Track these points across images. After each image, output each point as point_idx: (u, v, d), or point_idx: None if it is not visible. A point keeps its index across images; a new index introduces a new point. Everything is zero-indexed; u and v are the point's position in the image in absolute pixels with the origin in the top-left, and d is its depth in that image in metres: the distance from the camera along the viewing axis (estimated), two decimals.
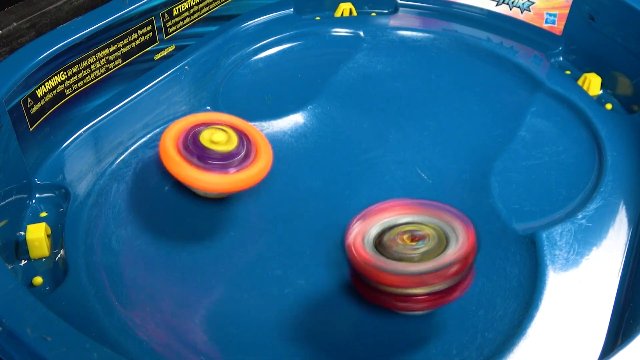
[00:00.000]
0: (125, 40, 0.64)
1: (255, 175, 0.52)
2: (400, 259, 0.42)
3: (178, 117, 0.62)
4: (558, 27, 0.74)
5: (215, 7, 0.74)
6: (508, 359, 0.43)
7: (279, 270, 0.50)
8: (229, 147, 0.52)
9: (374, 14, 0.81)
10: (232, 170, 0.51)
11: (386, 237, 0.44)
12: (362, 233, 0.45)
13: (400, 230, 0.45)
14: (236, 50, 0.73)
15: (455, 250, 0.42)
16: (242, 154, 0.53)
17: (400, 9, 0.82)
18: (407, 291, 0.42)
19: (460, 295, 0.43)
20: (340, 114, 0.66)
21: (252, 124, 0.63)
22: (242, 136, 0.54)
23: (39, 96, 0.56)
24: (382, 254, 0.43)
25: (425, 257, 0.42)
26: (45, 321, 0.37)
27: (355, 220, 0.46)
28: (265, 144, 0.56)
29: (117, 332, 0.44)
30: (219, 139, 0.52)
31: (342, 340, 0.46)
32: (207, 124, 0.55)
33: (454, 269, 0.41)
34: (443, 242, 0.43)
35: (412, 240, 0.43)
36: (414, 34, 0.76)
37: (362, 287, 0.45)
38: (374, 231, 0.45)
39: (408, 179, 0.59)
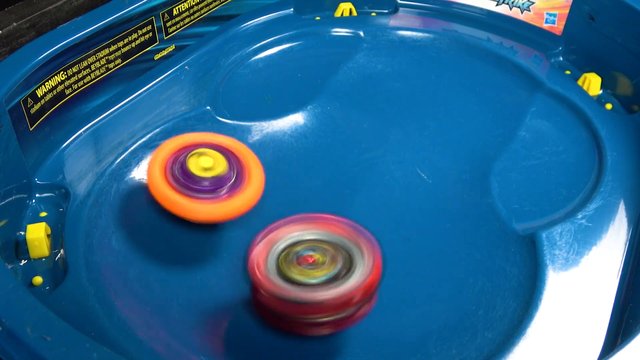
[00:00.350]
0: (125, 40, 0.64)
1: (250, 199, 0.50)
2: (302, 284, 0.40)
3: (178, 117, 0.63)
4: (558, 27, 0.74)
5: (215, 7, 0.74)
6: (508, 358, 0.43)
7: None
8: (218, 171, 0.50)
9: (374, 14, 0.81)
10: (225, 195, 0.49)
11: (290, 257, 0.42)
12: (265, 251, 0.43)
13: (304, 248, 0.43)
14: (236, 50, 0.73)
15: (359, 276, 0.40)
16: (233, 177, 0.50)
17: (400, 9, 0.82)
18: (308, 319, 0.41)
19: (359, 320, 0.42)
20: (340, 114, 0.66)
21: (252, 123, 0.63)
22: (231, 157, 0.52)
23: (39, 96, 0.56)
24: (285, 275, 0.41)
25: (328, 281, 0.40)
26: (45, 321, 0.37)
27: (260, 237, 0.44)
28: (254, 161, 0.53)
29: (117, 332, 0.44)
30: (206, 164, 0.50)
31: (343, 338, 0.46)
32: (193, 147, 0.52)
33: (356, 298, 0.40)
34: (347, 265, 0.41)
35: (314, 263, 0.42)
36: (414, 34, 0.76)
37: (263, 311, 0.44)
38: (278, 248, 0.43)
39: (408, 179, 0.59)
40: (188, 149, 0.52)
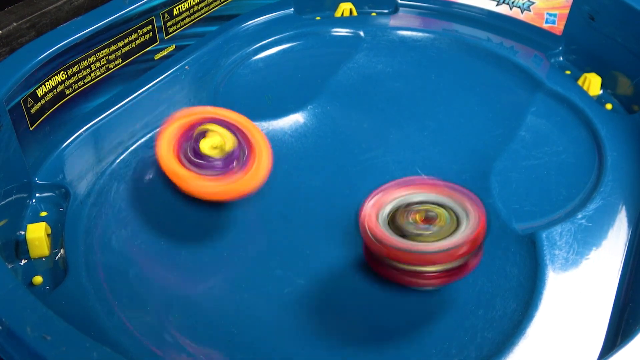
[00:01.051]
0: (126, 40, 0.64)
1: (260, 175, 0.52)
2: (412, 238, 0.44)
3: None
4: (558, 27, 0.74)
5: (215, 7, 0.74)
6: (507, 358, 0.43)
7: (279, 270, 0.50)
8: (228, 149, 0.52)
9: (374, 14, 0.81)
10: (236, 172, 0.51)
11: (399, 215, 0.46)
12: (376, 208, 0.47)
13: (413, 208, 0.46)
14: (236, 50, 0.73)
15: (465, 231, 0.44)
16: (241, 153, 0.52)
17: (400, 9, 0.82)
18: (416, 268, 0.45)
19: (467, 274, 0.45)
20: (340, 114, 0.66)
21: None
22: (239, 134, 0.54)
23: (39, 96, 0.56)
24: (394, 230, 0.45)
25: (436, 236, 0.44)
26: (45, 320, 0.37)
27: (371, 196, 0.48)
28: (261, 137, 0.55)
29: (117, 331, 0.44)
30: (216, 143, 0.51)
31: (342, 341, 0.46)
32: (202, 122, 0.54)
33: (462, 249, 0.43)
34: (454, 222, 0.45)
35: (424, 220, 0.45)
36: (414, 34, 0.76)
37: (373, 261, 0.48)
38: (388, 208, 0.47)
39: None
40: (195, 126, 0.53)
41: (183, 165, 0.51)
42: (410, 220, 0.45)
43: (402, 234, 0.45)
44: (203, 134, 0.53)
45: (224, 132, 0.53)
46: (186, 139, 0.53)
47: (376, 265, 0.48)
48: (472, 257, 0.46)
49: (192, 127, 0.54)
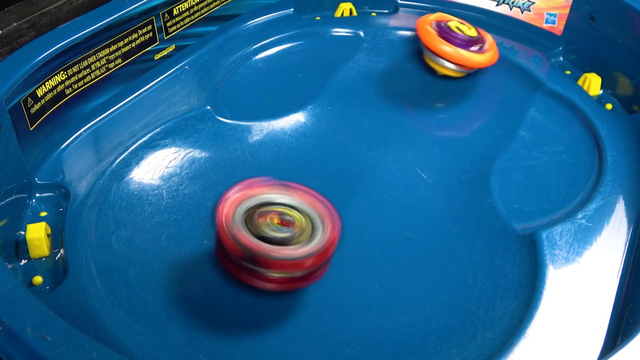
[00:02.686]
0: (126, 40, 0.64)
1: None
2: (262, 238, 0.43)
3: (178, 117, 0.63)
4: (558, 27, 0.74)
5: (215, 7, 0.74)
6: (508, 358, 0.43)
7: None
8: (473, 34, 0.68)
9: (374, 14, 0.81)
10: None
11: (257, 212, 0.45)
12: (236, 203, 0.45)
13: (274, 209, 0.46)
14: (236, 50, 0.73)
15: (316, 243, 0.43)
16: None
17: (400, 9, 0.82)
18: (262, 270, 0.44)
19: (308, 285, 0.45)
20: (340, 114, 0.66)
21: (252, 123, 0.63)
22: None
23: (39, 96, 0.56)
24: (249, 229, 0.44)
25: (283, 241, 0.43)
26: (45, 320, 0.37)
27: (234, 189, 0.46)
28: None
29: (117, 331, 0.44)
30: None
31: (342, 341, 0.46)
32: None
33: (309, 262, 0.43)
34: (308, 233, 0.44)
35: (280, 224, 0.44)
36: (414, 34, 0.76)
37: (221, 255, 0.46)
38: (250, 203, 0.46)
39: (408, 178, 0.59)
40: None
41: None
42: (267, 221, 0.44)
43: (257, 234, 0.44)
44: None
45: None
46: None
47: (224, 259, 0.46)
48: (316, 270, 0.45)
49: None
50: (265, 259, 0.42)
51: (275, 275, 0.44)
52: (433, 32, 0.66)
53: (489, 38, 0.68)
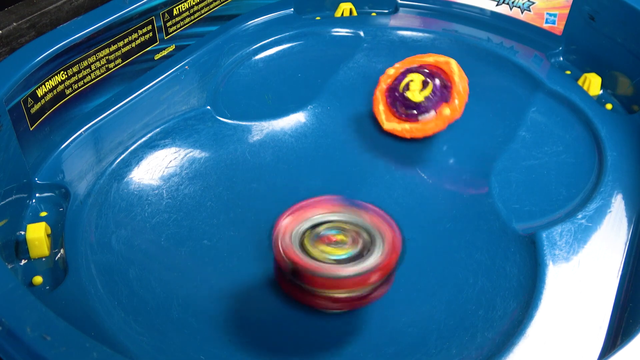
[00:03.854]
0: (126, 40, 0.64)
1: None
2: (323, 260, 0.43)
3: (178, 117, 0.63)
4: (558, 27, 0.74)
5: (215, 7, 0.74)
6: (508, 358, 0.43)
7: None
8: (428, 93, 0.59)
9: (374, 14, 0.82)
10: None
11: (312, 236, 0.45)
12: (290, 229, 0.45)
13: (326, 228, 0.45)
14: (236, 50, 0.73)
15: (377, 257, 0.43)
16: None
17: (400, 9, 0.82)
18: (326, 293, 0.43)
19: (376, 299, 0.44)
20: (340, 114, 0.66)
21: (252, 123, 0.63)
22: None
23: (39, 96, 0.56)
24: (307, 252, 0.43)
25: (348, 260, 0.43)
26: (45, 320, 0.37)
27: (284, 215, 0.46)
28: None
29: (117, 331, 0.44)
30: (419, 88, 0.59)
31: (342, 341, 0.46)
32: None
33: (374, 277, 0.42)
34: (367, 246, 0.44)
35: (336, 243, 0.44)
36: (414, 34, 0.76)
37: (283, 282, 0.46)
38: (302, 227, 0.45)
39: (408, 178, 0.59)
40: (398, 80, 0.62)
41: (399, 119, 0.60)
42: (324, 242, 0.44)
43: (315, 255, 0.43)
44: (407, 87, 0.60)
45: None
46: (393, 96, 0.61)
47: (288, 287, 0.46)
48: (382, 284, 0.44)
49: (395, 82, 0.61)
50: (309, 276, 0.42)
51: (342, 295, 0.43)
52: (381, 108, 0.62)
53: (456, 95, 0.59)
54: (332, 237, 0.44)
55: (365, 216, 0.46)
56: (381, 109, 0.62)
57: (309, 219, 0.46)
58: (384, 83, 0.63)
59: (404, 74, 0.62)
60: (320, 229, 0.45)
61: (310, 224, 0.46)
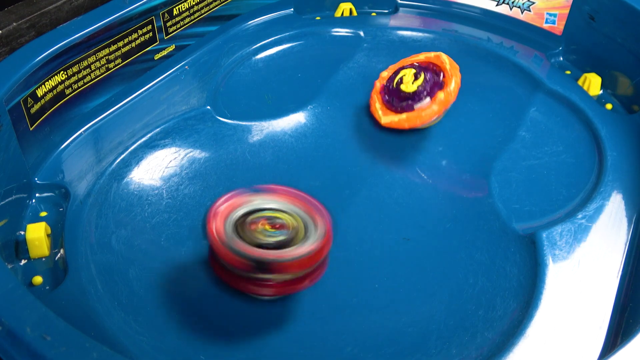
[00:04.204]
0: (125, 40, 0.64)
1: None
2: (257, 244, 0.43)
3: (178, 117, 0.63)
4: (558, 27, 0.74)
5: (215, 7, 0.74)
6: (508, 358, 0.43)
7: None
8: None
9: (374, 14, 0.82)
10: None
11: (248, 220, 0.45)
12: (225, 214, 0.45)
13: (262, 215, 0.45)
14: (236, 50, 0.73)
15: (310, 244, 0.43)
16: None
17: (400, 9, 0.82)
18: (257, 275, 0.43)
19: (308, 285, 0.45)
20: (340, 114, 0.66)
21: (252, 123, 0.63)
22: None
23: (39, 96, 0.56)
24: (241, 236, 0.44)
25: (281, 245, 0.43)
26: (45, 320, 0.37)
27: (221, 201, 0.46)
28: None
29: (117, 331, 0.44)
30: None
31: (342, 341, 0.46)
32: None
33: (320, 255, 0.43)
34: (301, 234, 0.44)
35: (272, 227, 0.44)
36: (414, 34, 0.76)
37: (216, 265, 0.46)
38: (238, 213, 0.45)
39: (408, 178, 0.59)
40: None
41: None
42: (259, 226, 0.44)
43: (254, 242, 0.43)
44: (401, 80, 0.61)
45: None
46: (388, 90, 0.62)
47: (220, 270, 0.46)
48: (313, 270, 0.45)
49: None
50: (277, 263, 0.42)
51: (278, 279, 0.43)
52: (377, 106, 0.63)
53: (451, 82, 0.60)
54: (265, 223, 0.45)
55: (289, 200, 0.47)
56: (377, 107, 0.63)
57: (239, 207, 0.46)
58: (379, 84, 0.64)
59: (396, 72, 0.63)
60: (255, 215, 0.45)
61: (246, 210, 0.46)
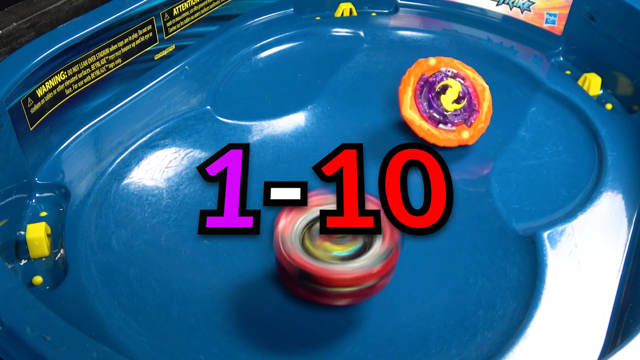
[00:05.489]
0: (126, 40, 0.64)
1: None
2: (328, 259, 0.43)
3: (178, 117, 0.63)
4: (558, 27, 0.74)
5: (215, 7, 0.74)
6: (508, 358, 0.43)
7: None
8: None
9: (374, 14, 0.81)
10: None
11: (311, 234, 0.45)
12: (289, 230, 0.45)
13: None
14: (236, 50, 0.73)
15: (379, 249, 0.44)
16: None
17: (400, 9, 0.82)
18: (336, 290, 0.44)
19: (379, 291, 0.45)
20: (340, 114, 0.66)
21: (252, 123, 0.63)
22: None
23: (39, 96, 0.56)
24: (310, 253, 0.44)
25: (352, 256, 0.43)
26: (45, 320, 0.37)
27: (280, 217, 0.47)
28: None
29: (117, 331, 0.44)
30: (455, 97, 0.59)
31: (342, 341, 0.46)
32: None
33: (380, 270, 0.43)
34: (367, 241, 0.45)
35: (338, 239, 0.45)
36: (414, 34, 0.76)
37: (291, 284, 0.46)
38: (299, 227, 0.46)
39: (408, 178, 0.59)
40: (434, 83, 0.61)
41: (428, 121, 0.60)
42: (320, 245, 0.45)
43: (317, 253, 0.44)
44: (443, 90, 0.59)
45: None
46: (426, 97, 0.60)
47: (290, 285, 0.46)
48: (384, 276, 0.45)
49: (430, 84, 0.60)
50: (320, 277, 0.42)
51: (350, 290, 0.44)
52: (409, 94, 0.61)
53: (483, 105, 0.60)
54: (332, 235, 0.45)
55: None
56: (409, 95, 0.61)
57: (304, 217, 0.46)
58: (420, 69, 0.61)
59: (445, 75, 0.61)
60: (317, 225, 0.46)
61: (306, 222, 0.46)
